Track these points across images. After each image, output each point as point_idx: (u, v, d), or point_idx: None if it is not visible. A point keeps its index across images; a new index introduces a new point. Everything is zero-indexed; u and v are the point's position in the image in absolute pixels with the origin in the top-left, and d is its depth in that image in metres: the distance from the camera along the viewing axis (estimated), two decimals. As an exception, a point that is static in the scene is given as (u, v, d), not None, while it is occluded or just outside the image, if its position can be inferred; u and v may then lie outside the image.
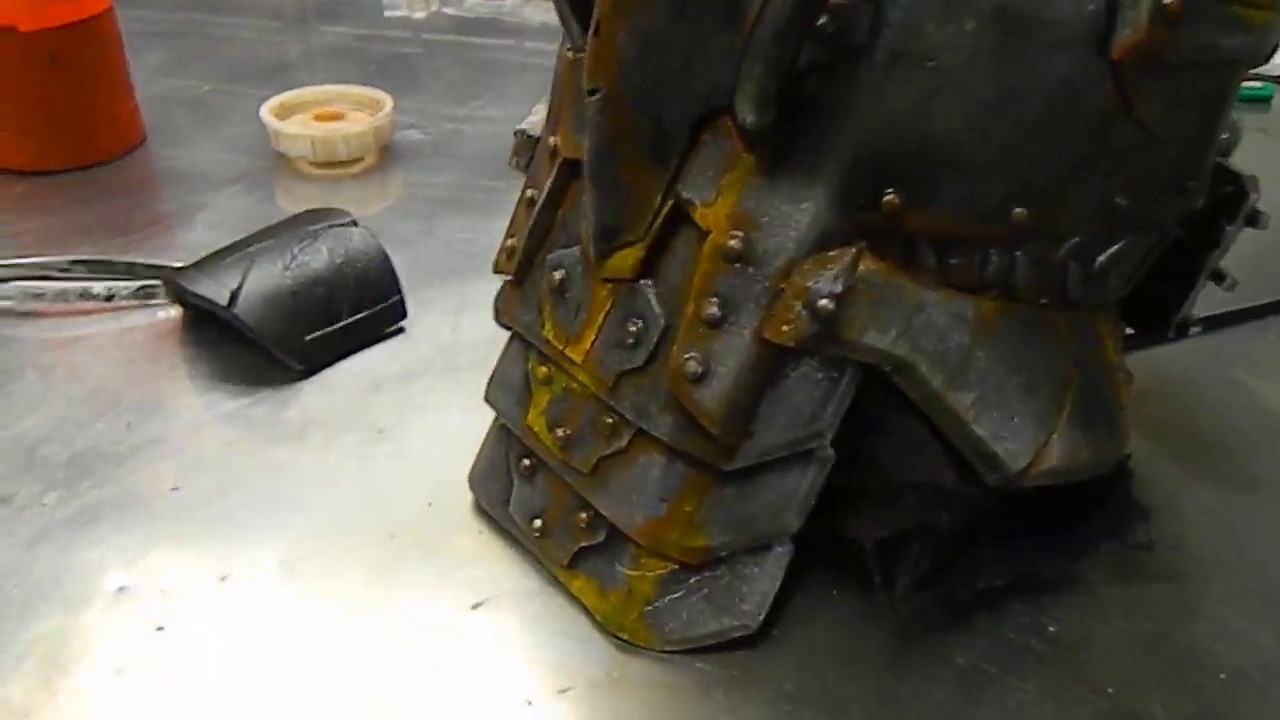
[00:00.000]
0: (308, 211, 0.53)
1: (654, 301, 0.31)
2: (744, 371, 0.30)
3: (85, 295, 0.52)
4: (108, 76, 0.68)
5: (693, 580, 0.34)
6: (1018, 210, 0.29)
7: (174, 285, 0.48)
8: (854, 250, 0.29)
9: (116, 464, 0.43)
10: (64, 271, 0.55)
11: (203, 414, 0.46)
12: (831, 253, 0.29)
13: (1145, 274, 0.45)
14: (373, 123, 0.69)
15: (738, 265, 0.29)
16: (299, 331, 0.48)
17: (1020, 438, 0.32)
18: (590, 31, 0.28)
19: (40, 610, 0.35)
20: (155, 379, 0.48)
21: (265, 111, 0.68)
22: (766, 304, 0.29)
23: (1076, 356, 0.33)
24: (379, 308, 0.50)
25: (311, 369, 0.48)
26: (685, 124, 0.29)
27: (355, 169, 0.68)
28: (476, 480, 0.40)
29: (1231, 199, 0.41)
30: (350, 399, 0.47)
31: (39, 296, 0.52)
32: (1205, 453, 0.45)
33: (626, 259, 0.32)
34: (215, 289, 0.47)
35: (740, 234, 0.29)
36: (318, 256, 0.49)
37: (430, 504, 0.40)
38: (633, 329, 0.32)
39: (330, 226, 0.51)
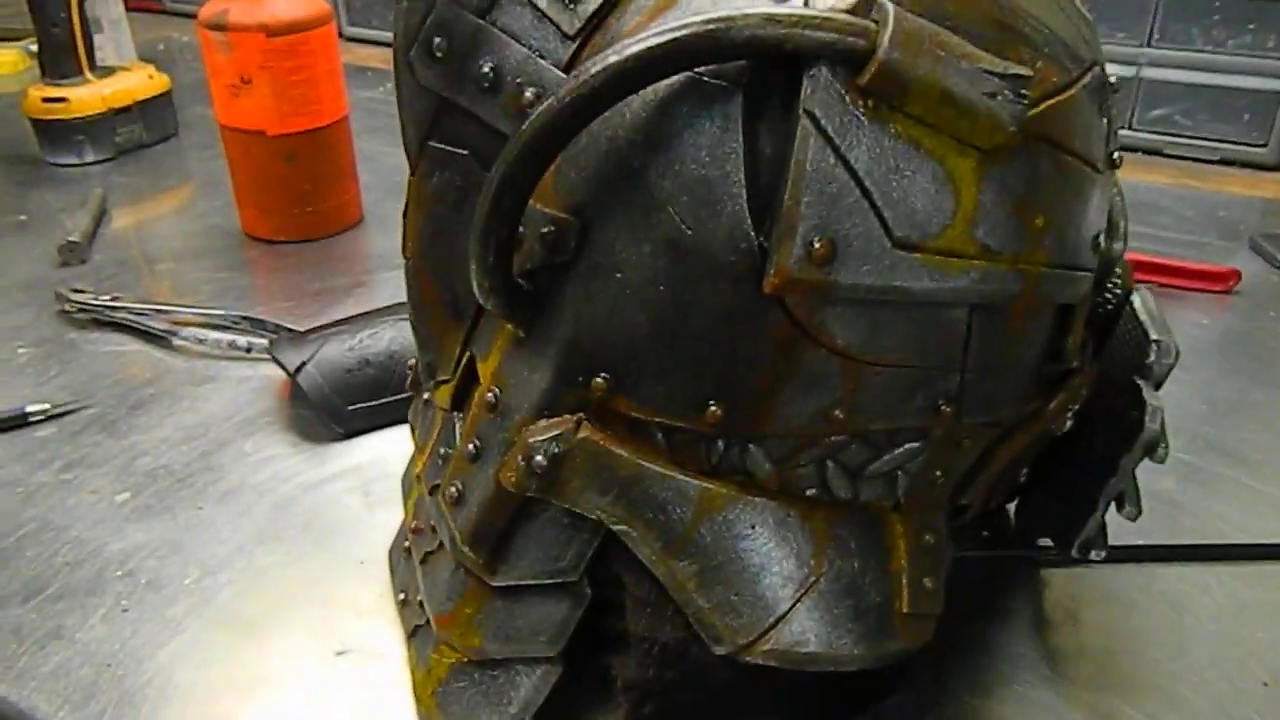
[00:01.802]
0: (395, 304, 0.65)
1: (457, 432, 0.38)
2: (488, 504, 0.35)
3: (233, 345, 0.67)
4: (336, 171, 0.85)
5: (475, 674, 0.39)
6: (714, 408, 0.32)
7: (270, 350, 0.61)
8: (574, 419, 0.33)
9: (178, 479, 0.55)
10: (235, 324, 0.70)
11: (259, 453, 0.58)
12: (555, 419, 0.34)
13: (1034, 482, 0.44)
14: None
15: (492, 414, 0.35)
16: (345, 402, 0.59)
17: (743, 615, 0.34)
18: (403, 213, 0.36)
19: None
20: (243, 420, 0.61)
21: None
22: (503, 452, 0.35)
23: (831, 552, 0.35)
24: (420, 392, 0.60)
25: (350, 433, 0.59)
26: (472, 296, 0.35)
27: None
28: (392, 548, 0.48)
29: (1132, 427, 0.40)
30: (371, 460, 0.57)
31: (202, 341, 0.68)
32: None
33: (444, 394, 0.38)
34: (291, 358, 0.59)
35: (497, 389, 0.35)
36: (378, 342, 0.60)
37: (362, 562, 0.49)
38: (444, 452, 0.39)
39: (399, 319, 0.62)
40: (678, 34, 0.28)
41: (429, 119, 0.34)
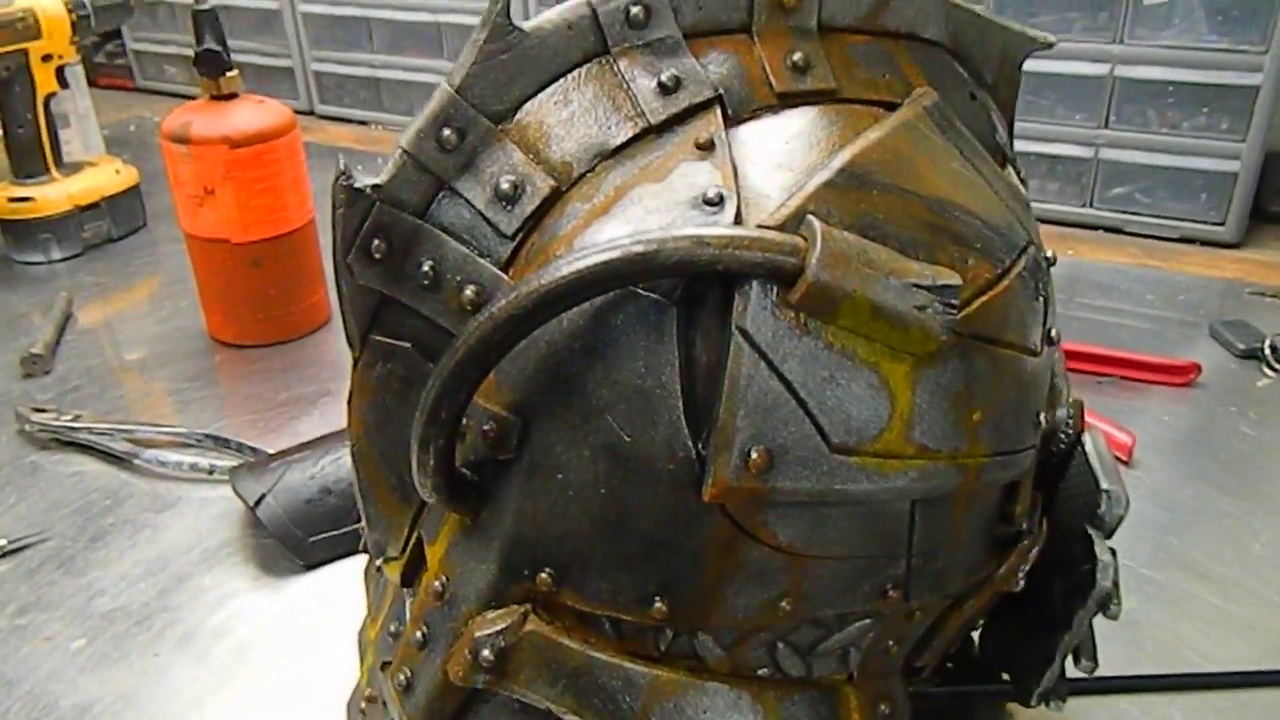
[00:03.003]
0: (359, 425, 0.64)
1: (407, 610, 0.38)
2: (436, 692, 0.35)
3: (195, 468, 0.67)
4: (302, 274, 0.85)
5: None
6: (659, 604, 0.32)
7: (230, 481, 0.61)
8: (521, 611, 0.33)
9: (136, 621, 0.55)
10: (198, 442, 0.70)
11: (218, 588, 0.57)
12: (502, 611, 0.33)
13: (991, 636, 0.44)
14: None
15: (439, 603, 0.35)
16: (306, 534, 0.58)
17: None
18: (347, 399, 0.36)
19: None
20: (204, 552, 0.60)
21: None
22: (451, 642, 0.34)
23: (783, 731, 0.35)
24: (382, 519, 0.60)
25: (312, 564, 0.58)
26: (418, 480, 0.35)
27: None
28: (349, 704, 0.47)
29: (1086, 579, 0.40)
30: (334, 596, 0.56)
31: (164, 464, 0.67)
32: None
33: (394, 570, 0.38)
34: (251, 490, 0.59)
35: (444, 576, 0.35)
36: (340, 469, 0.60)
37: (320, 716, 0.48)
38: (394, 628, 0.38)
39: (361, 445, 0.61)
40: (609, 257, 0.28)
41: (370, 314, 0.34)
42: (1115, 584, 0.39)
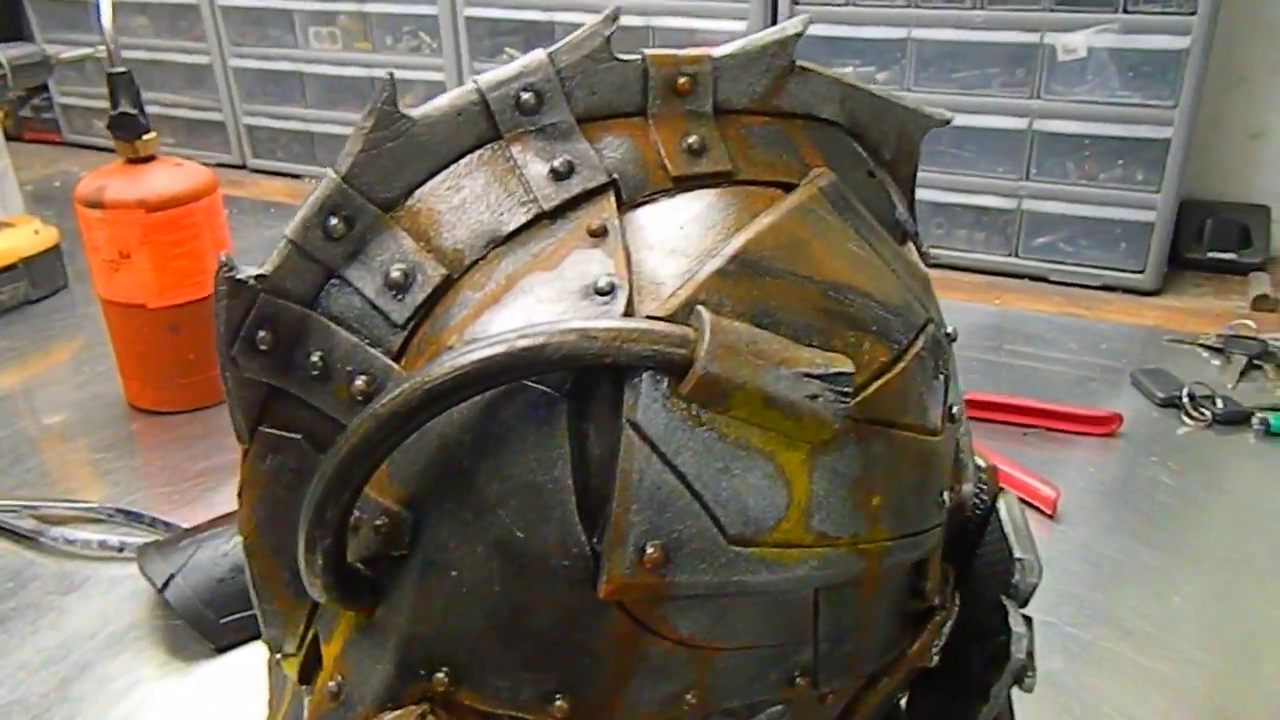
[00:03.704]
0: (276, 498, 0.63)
1: (305, 709, 0.36)
2: (334, 799, 0.34)
3: (104, 545, 0.64)
4: (223, 338, 0.83)
5: None
6: (560, 703, 0.31)
7: (138, 562, 0.59)
8: (419, 712, 0.32)
9: (35, 715, 0.52)
10: (109, 517, 0.67)
11: (124, 677, 0.55)
12: (400, 712, 0.32)
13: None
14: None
15: (333, 704, 0.34)
16: (217, 615, 0.56)
17: None
18: (237, 493, 0.35)
19: None
20: (109, 637, 0.58)
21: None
22: (348, 746, 0.33)
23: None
24: (299, 596, 0.58)
25: (224, 647, 0.56)
26: (314, 574, 0.34)
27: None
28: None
29: (1002, 650, 0.39)
30: (246, 681, 0.54)
31: (71, 542, 0.65)
32: None
33: (291, 666, 0.37)
34: (159, 570, 0.57)
35: (339, 676, 0.33)
36: (254, 547, 0.58)
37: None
38: (291, 726, 0.37)
39: (277, 519, 0.60)
40: (494, 352, 0.27)
41: (258, 406, 0.33)
42: (1030, 654, 0.39)
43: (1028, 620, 0.40)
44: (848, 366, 0.29)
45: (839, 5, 1.02)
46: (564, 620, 0.30)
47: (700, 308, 0.28)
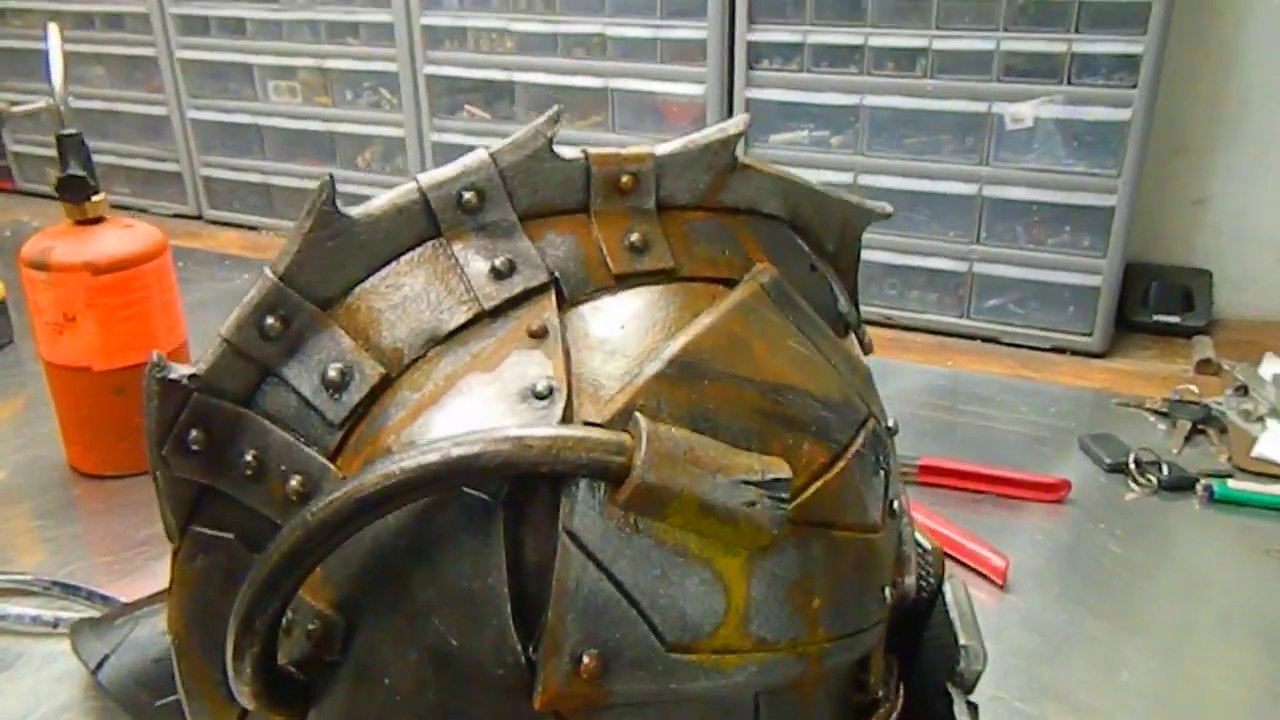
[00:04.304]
0: (219, 572, 0.61)
1: (235, 811, 0.35)
2: None
3: (37, 621, 0.62)
4: (171, 400, 0.82)
5: None
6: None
7: (70, 640, 0.57)
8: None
9: (-44, 807, 0.50)
10: (45, 589, 0.66)
11: (54, 763, 0.53)
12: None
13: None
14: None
15: (264, 810, 0.33)
16: (152, 697, 0.54)
17: None
18: (166, 590, 0.34)
19: None
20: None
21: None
22: None
23: None
24: (239, 675, 0.56)
25: (159, 731, 0.54)
26: (244, 677, 0.33)
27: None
28: None
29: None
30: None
31: (4, 617, 0.63)
32: None
33: (223, 768, 0.36)
34: (93, 650, 0.55)
35: (273, 783, 0.33)
36: (194, 625, 0.57)
37: None
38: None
39: (219, 595, 0.58)
40: (428, 460, 0.27)
41: (189, 504, 0.32)
42: (974, 747, 0.39)
43: (973, 707, 0.40)
44: (784, 472, 0.29)
45: (794, 71, 1.04)
46: (497, 730, 0.29)
47: (638, 414, 0.28)
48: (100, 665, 0.54)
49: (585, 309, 0.32)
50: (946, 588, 0.42)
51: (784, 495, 0.29)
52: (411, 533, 0.29)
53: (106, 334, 0.76)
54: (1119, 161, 0.95)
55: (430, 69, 1.24)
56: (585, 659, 0.28)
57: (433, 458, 0.27)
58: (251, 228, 1.46)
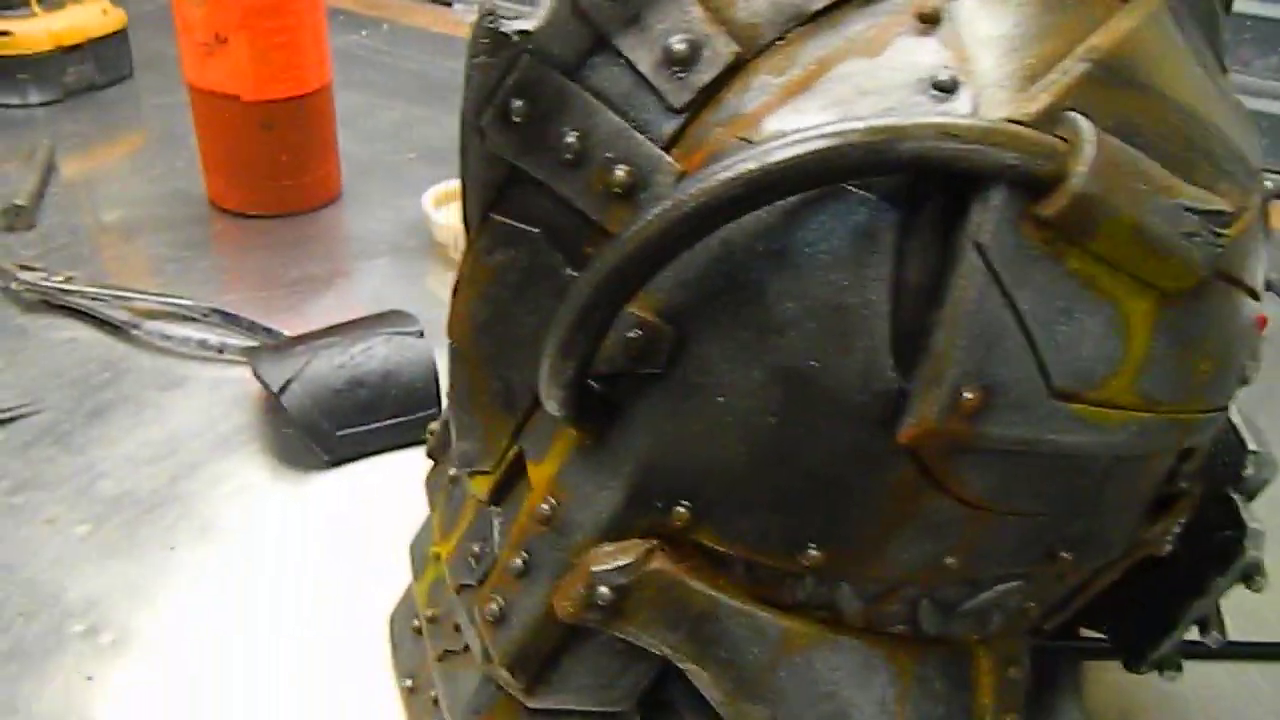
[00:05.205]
0: (390, 313, 0.59)
1: (496, 529, 0.33)
2: (535, 626, 0.31)
3: (203, 345, 0.61)
4: (315, 144, 0.78)
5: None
6: (813, 551, 0.28)
7: (251, 363, 0.55)
8: (646, 547, 0.29)
9: (145, 509, 0.50)
10: (204, 316, 0.64)
11: (235, 480, 0.52)
12: (624, 544, 0.29)
13: (1115, 597, 0.41)
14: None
15: (545, 528, 0.31)
16: (334, 426, 0.53)
17: (820, 762, 0.30)
18: (452, 290, 0.31)
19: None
20: (215, 438, 0.55)
21: (427, 198, 0.75)
22: (560, 573, 0.30)
23: (916, 694, 0.31)
24: (415, 416, 0.55)
25: (338, 460, 0.53)
26: (528, 388, 0.31)
27: (494, 260, 0.73)
28: (394, 617, 0.43)
29: (1227, 547, 0.37)
30: (361, 497, 0.52)
31: (168, 338, 0.61)
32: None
33: (481, 485, 0.34)
34: (275, 374, 0.53)
35: (553, 499, 0.30)
36: (371, 360, 0.55)
37: (352, 629, 0.44)
38: (476, 548, 0.34)
39: (395, 334, 0.56)
40: (833, 143, 0.23)
41: (495, 189, 0.28)
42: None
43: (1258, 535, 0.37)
44: (1224, 205, 0.25)
45: None
46: (843, 462, 0.27)
47: (1074, 114, 0.24)
48: (284, 389, 0.52)
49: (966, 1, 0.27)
50: (1228, 397, 0.39)
51: (1224, 231, 0.25)
52: (775, 235, 0.25)
53: (258, 61, 0.71)
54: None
55: None
56: (966, 393, 0.24)
57: (841, 140, 0.23)
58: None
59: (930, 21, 0.26)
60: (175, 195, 0.81)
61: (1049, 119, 0.24)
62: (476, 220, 0.29)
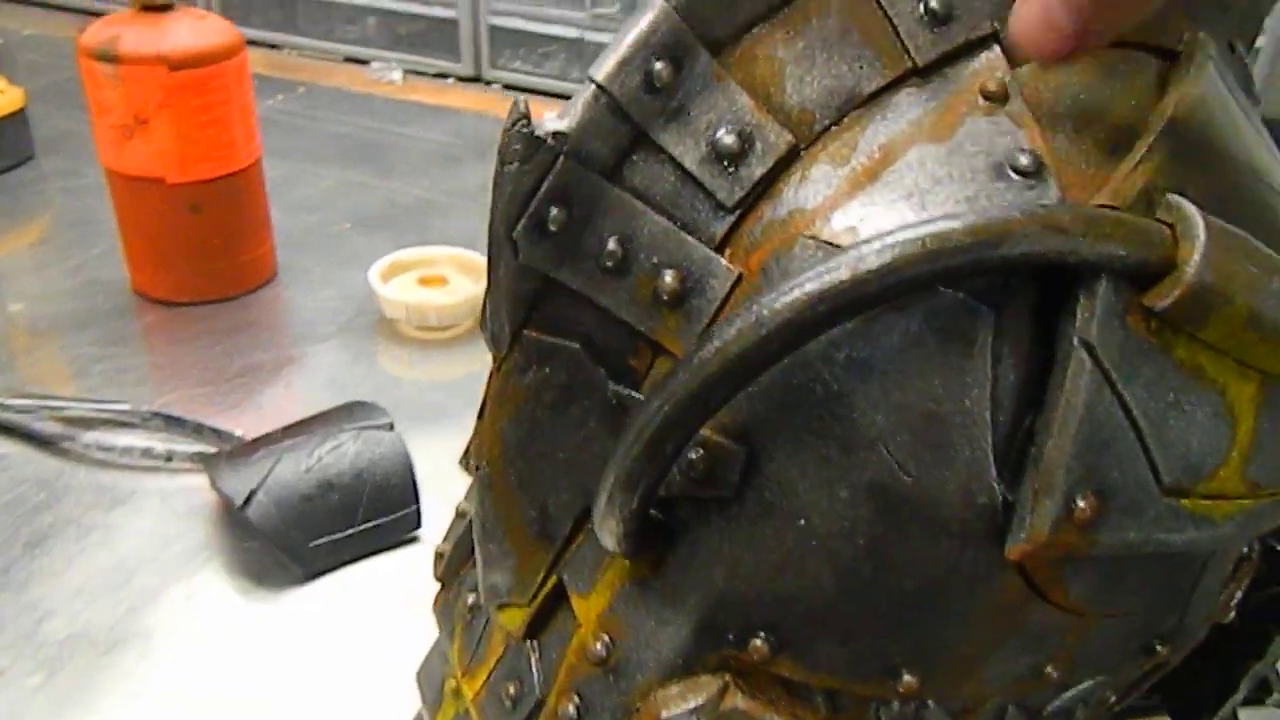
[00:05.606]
0: (354, 405, 0.55)
1: (534, 668, 0.30)
2: (594, 780, 0.28)
3: (148, 454, 0.56)
4: (246, 223, 0.74)
5: None
6: (908, 677, 0.26)
7: (209, 475, 0.51)
8: (719, 683, 0.26)
9: (104, 652, 0.45)
10: (144, 421, 0.59)
11: (201, 606, 0.48)
12: (698, 680, 0.26)
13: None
14: (469, 292, 0.71)
15: (599, 669, 0.28)
16: (306, 537, 0.49)
17: None
18: (478, 413, 0.28)
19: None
20: (173, 559, 0.50)
21: (374, 273, 0.71)
22: (623, 719, 0.27)
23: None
24: (393, 517, 0.51)
25: (313, 574, 0.49)
26: (569, 514, 0.28)
27: (449, 333, 0.70)
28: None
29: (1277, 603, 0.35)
30: (342, 613, 0.47)
31: (107, 449, 0.56)
32: None
33: (514, 618, 0.30)
34: (236, 486, 0.49)
35: (607, 637, 0.27)
36: (341, 459, 0.51)
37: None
38: (512, 689, 0.31)
39: (363, 429, 0.52)
40: (934, 247, 0.21)
41: (528, 304, 0.26)
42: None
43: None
44: None
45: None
46: (941, 581, 0.24)
47: (1176, 197, 0.22)
48: (248, 502, 0.48)
49: (1026, 70, 0.25)
50: None
51: (1328, 309, 0.23)
52: (857, 343, 0.23)
53: (183, 140, 0.67)
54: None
55: None
56: (1080, 502, 0.22)
57: (941, 243, 0.21)
58: (272, 45, 1.33)
59: (997, 100, 0.24)
60: (95, 286, 0.75)
61: (1145, 201, 0.22)
62: (508, 339, 0.26)
